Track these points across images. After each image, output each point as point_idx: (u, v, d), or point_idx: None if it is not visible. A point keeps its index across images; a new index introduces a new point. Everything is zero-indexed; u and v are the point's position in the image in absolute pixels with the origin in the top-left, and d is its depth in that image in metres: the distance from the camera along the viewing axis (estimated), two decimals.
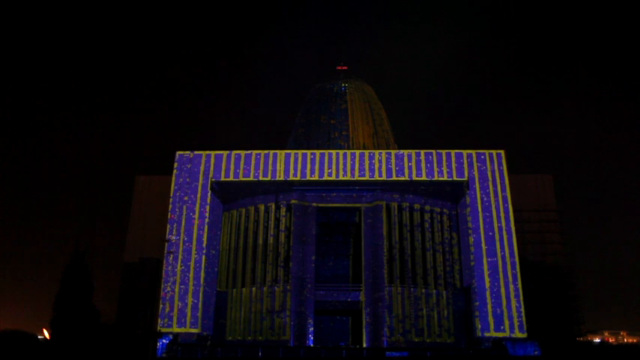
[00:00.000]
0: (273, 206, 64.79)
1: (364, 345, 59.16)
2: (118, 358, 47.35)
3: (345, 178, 60.61)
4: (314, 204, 65.02)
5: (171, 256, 58.33)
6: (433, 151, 61.25)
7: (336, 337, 66.16)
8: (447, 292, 62.34)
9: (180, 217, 60.08)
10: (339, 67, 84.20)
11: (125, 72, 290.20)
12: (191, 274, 58.10)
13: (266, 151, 61.79)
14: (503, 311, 55.30)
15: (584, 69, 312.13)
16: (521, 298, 55.53)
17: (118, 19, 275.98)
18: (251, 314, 61.14)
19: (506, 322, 54.87)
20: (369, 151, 62.58)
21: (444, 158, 60.88)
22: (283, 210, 64.24)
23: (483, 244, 57.92)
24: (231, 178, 61.28)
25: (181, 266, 58.35)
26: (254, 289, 62.31)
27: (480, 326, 55.61)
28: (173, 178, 61.71)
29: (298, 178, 60.74)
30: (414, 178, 60.25)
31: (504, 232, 58.15)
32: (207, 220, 60.24)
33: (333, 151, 62.27)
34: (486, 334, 55.06)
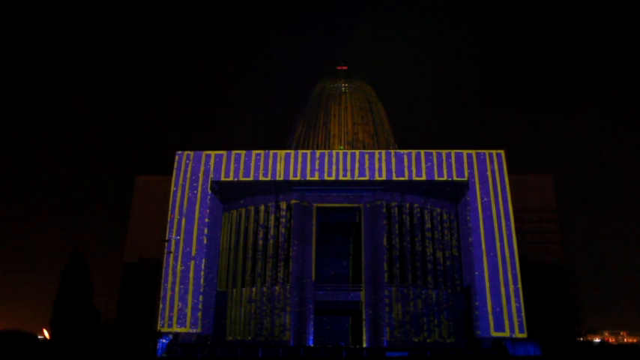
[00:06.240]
0: (273, 206, 64.82)
1: (364, 345, 59.14)
2: (118, 358, 47.32)
3: (345, 178, 60.51)
4: (314, 204, 65.03)
5: (172, 256, 58.30)
6: (433, 151, 61.17)
7: (336, 337, 66.09)
8: (447, 292, 62.33)
9: (181, 217, 60.00)
10: (339, 67, 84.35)
11: (125, 72, 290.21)
12: (191, 274, 58.05)
13: (266, 151, 61.75)
14: (503, 311, 55.20)
15: (584, 69, 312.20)
16: (521, 298, 55.44)
17: (117, 18, 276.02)
18: (251, 314, 61.13)
19: (506, 322, 54.78)
20: (369, 151, 62.49)
21: (444, 158, 60.79)
22: (283, 210, 64.24)
23: (483, 244, 57.83)
24: (231, 178, 61.19)
25: (181, 266, 58.30)
26: (254, 289, 62.30)
27: (480, 326, 55.59)
28: (173, 178, 61.64)
29: (298, 178, 60.67)
30: (414, 178, 60.14)
31: (504, 232, 58.07)
32: (207, 220, 60.20)
33: (333, 151, 62.20)
34: (486, 335, 55.03)
